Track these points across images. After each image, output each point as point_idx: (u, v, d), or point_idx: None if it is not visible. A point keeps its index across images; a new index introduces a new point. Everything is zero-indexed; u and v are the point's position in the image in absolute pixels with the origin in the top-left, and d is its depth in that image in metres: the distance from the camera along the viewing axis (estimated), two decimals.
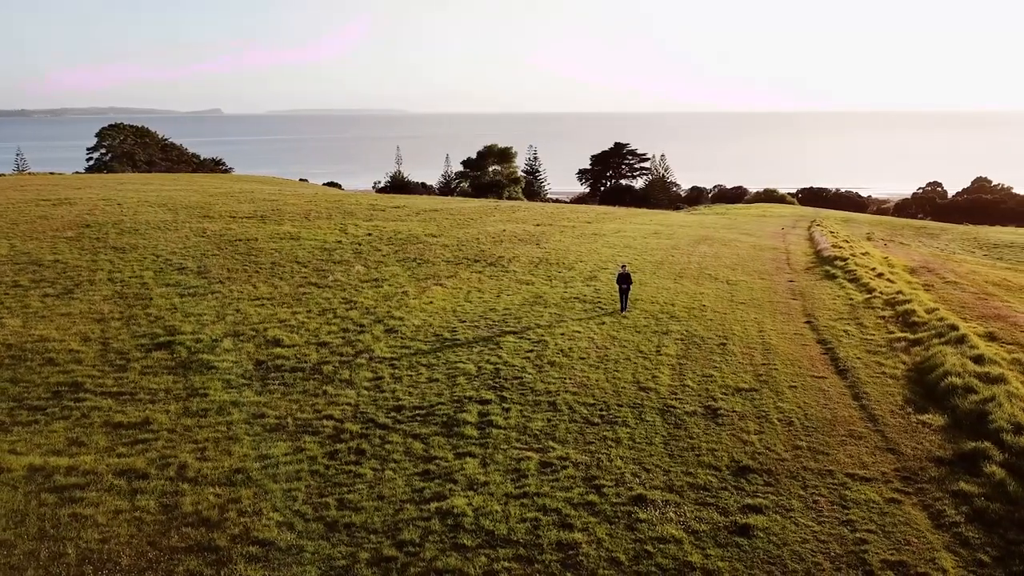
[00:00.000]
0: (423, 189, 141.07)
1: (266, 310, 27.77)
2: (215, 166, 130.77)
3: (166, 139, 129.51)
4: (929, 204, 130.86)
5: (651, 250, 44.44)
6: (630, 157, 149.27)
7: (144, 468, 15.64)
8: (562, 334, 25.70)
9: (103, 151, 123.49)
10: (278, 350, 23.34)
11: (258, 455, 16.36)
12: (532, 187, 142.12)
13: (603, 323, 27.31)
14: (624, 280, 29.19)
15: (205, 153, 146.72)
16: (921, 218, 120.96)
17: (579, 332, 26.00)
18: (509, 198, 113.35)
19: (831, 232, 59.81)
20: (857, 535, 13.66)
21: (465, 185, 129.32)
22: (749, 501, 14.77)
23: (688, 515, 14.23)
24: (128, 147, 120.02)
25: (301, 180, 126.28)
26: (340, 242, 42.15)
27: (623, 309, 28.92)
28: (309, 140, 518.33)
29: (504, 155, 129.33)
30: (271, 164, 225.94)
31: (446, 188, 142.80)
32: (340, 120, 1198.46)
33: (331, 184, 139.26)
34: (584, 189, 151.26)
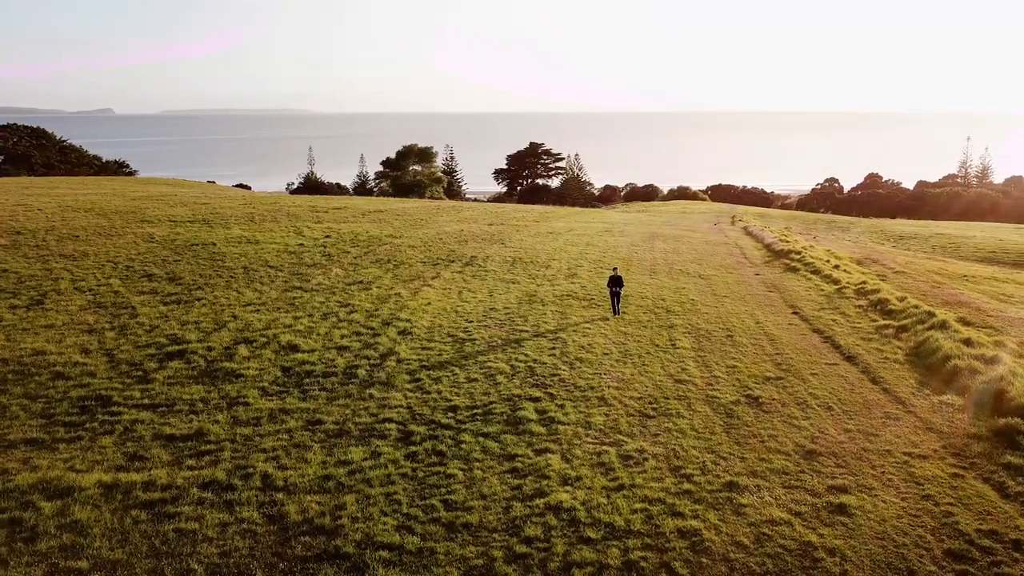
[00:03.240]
0: (338, 190, 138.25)
1: (264, 315, 27.01)
2: (119, 169, 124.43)
3: (64, 140, 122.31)
4: (829, 199, 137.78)
5: (613, 247, 45.36)
6: (545, 157, 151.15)
7: (226, 480, 15.10)
8: (574, 331, 26.08)
9: None
10: (300, 356, 22.77)
11: (337, 461, 16.03)
12: (452, 187, 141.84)
13: (607, 319, 27.85)
14: (616, 283, 28.76)
15: (102, 155, 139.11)
16: (824, 212, 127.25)
17: (589, 329, 26.43)
18: (431, 198, 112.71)
19: (767, 227, 62.38)
20: (942, 508, 14.58)
21: (385, 185, 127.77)
22: (831, 482, 15.52)
23: (783, 498, 14.85)
24: (23, 149, 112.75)
25: (209, 182, 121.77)
26: (302, 245, 41.28)
27: (615, 313, 28.69)
28: (210, 141, 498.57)
29: (424, 155, 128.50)
30: (174, 166, 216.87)
31: (362, 188, 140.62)
32: (241, 120, 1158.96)
33: (241, 186, 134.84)
34: (501, 188, 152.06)
